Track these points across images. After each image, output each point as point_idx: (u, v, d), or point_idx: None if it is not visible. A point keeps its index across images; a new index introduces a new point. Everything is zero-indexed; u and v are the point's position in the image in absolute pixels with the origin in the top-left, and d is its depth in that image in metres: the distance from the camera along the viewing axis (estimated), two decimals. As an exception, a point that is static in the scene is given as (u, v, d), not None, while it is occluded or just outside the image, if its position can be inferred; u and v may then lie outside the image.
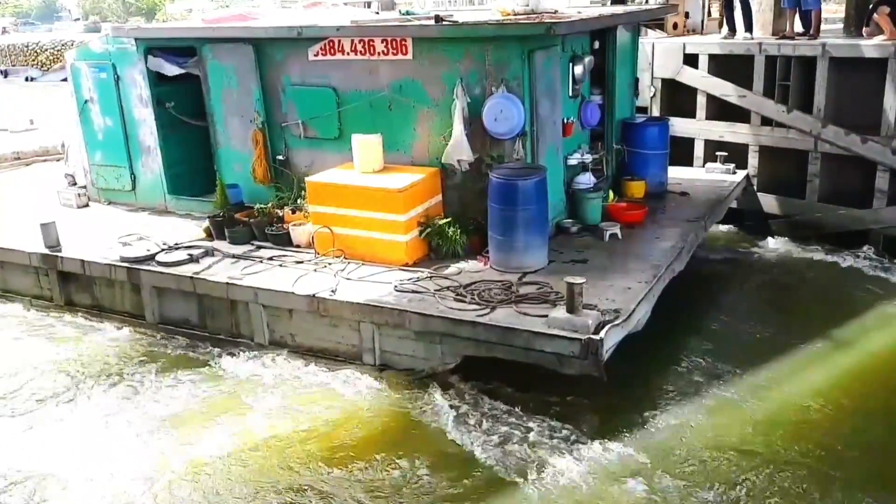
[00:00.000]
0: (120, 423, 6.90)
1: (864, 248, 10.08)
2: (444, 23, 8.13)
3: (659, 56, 11.69)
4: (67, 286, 9.11)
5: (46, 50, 39.11)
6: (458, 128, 7.88)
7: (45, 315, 9.10)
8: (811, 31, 10.91)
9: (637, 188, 9.69)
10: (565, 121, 8.69)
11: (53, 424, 6.98)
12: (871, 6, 10.47)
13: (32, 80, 37.59)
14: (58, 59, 35.67)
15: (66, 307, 9.12)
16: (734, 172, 10.84)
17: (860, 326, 8.24)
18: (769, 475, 5.93)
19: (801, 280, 9.71)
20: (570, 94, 8.80)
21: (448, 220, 8.08)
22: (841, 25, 12.40)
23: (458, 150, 7.95)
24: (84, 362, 8.00)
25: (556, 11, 8.90)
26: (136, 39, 9.84)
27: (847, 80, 10.21)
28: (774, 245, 10.61)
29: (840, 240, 10.28)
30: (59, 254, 8.92)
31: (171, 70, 9.70)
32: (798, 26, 11.33)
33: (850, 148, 10.06)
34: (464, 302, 7.00)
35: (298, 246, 8.49)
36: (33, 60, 39.60)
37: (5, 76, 39.48)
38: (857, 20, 11.24)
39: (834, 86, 10.22)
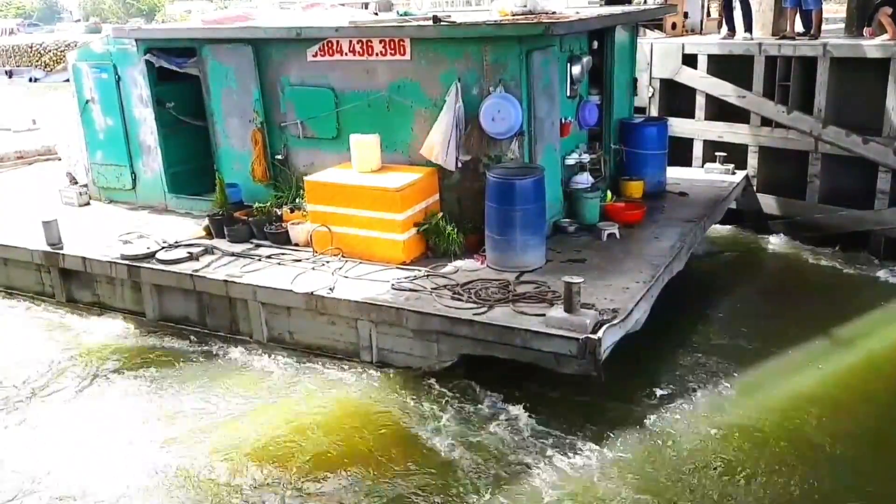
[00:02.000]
0: (119, 420, 6.93)
1: (865, 249, 10.06)
2: (441, 23, 8.16)
3: (657, 56, 11.69)
4: (69, 283, 9.15)
5: (50, 51, 39.26)
6: (437, 127, 7.96)
7: (47, 312, 9.15)
8: (812, 31, 10.88)
9: (635, 188, 9.69)
10: (563, 121, 8.69)
11: (53, 420, 7.00)
12: (874, 6, 10.44)
13: (36, 80, 37.69)
14: (61, 59, 35.80)
15: (67, 304, 9.17)
16: (733, 173, 10.82)
17: (860, 328, 8.21)
18: (767, 473, 5.93)
19: (800, 281, 9.70)
20: (568, 93, 8.81)
21: (445, 218, 8.09)
22: (842, 25, 12.36)
23: (425, 146, 8.09)
24: (84, 359, 8.02)
25: (554, 12, 8.90)
26: (136, 40, 9.89)
27: (848, 80, 10.17)
28: (774, 246, 10.59)
29: (841, 241, 10.25)
30: (60, 251, 8.97)
31: (168, 64, 9.76)
32: (799, 26, 11.31)
33: (851, 149, 10.02)
34: (461, 300, 7.02)
35: (297, 244, 8.53)
36: (37, 61, 39.74)
37: (10, 77, 39.61)
38: (859, 20, 11.18)
39: (835, 86, 10.18)
